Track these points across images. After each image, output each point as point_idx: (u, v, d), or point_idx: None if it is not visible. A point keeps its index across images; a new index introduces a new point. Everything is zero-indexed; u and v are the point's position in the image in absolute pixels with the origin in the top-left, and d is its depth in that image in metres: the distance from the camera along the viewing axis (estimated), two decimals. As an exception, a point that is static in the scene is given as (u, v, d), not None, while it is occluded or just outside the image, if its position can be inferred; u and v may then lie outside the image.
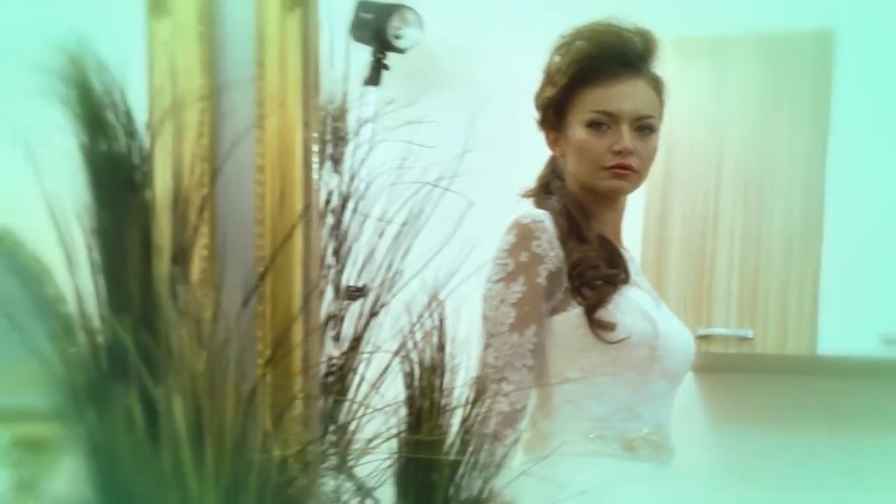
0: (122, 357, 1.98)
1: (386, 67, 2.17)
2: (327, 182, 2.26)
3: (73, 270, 2.07)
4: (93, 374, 2.03)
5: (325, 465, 2.19)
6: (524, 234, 2.24)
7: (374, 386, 2.19)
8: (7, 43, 2.51)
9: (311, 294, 2.17)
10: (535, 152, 2.22)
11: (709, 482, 2.27)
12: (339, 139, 2.29)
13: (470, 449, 2.15)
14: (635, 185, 2.24)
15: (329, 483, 2.19)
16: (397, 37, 2.11)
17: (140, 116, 2.13)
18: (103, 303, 2.06)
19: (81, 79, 2.06)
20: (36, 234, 2.34)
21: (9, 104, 2.47)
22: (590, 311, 2.21)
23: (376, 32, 2.10)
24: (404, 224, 2.21)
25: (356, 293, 2.27)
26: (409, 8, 2.05)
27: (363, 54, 2.55)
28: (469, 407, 2.13)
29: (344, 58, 2.28)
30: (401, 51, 2.13)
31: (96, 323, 2.04)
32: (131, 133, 2.09)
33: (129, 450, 1.99)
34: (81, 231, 2.08)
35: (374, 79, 2.09)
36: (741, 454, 2.19)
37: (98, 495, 2.08)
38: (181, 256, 2.09)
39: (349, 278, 2.31)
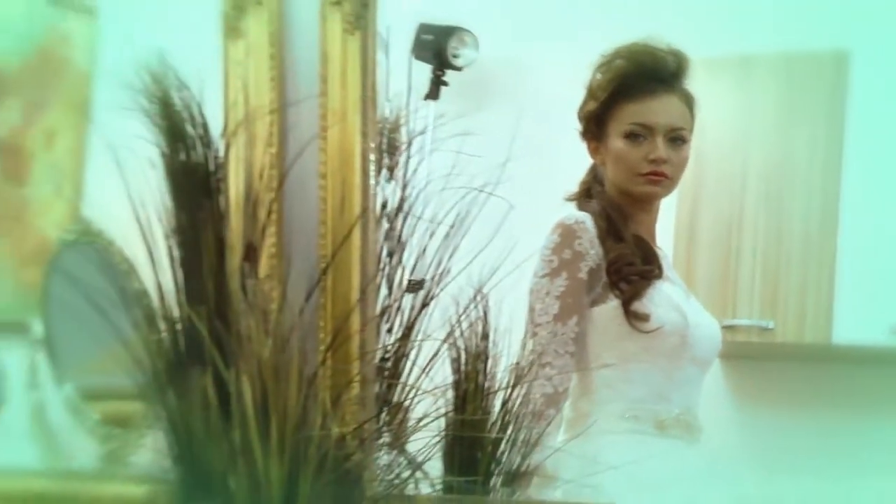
0: (198, 344, 2.03)
1: (444, 83, 2.20)
2: (383, 188, 2.28)
3: (155, 267, 2.12)
4: (172, 358, 2.09)
5: (379, 441, 2.22)
6: (567, 234, 2.26)
7: (424, 370, 2.21)
8: (99, 63, 2.53)
9: (367, 288, 2.19)
10: (572, 160, 2.24)
11: (733, 458, 2.29)
12: (395, 149, 2.29)
13: (510, 428, 2.18)
14: (668, 191, 2.25)
15: (382, 458, 2.22)
16: (455, 56, 2.13)
17: (215, 128, 2.18)
18: (181, 295, 2.11)
19: (163, 95, 2.10)
20: (123, 234, 2.35)
21: (100, 117, 2.49)
22: (626, 303, 2.23)
23: (436, 52, 2.12)
24: (452, 226, 2.22)
25: (416, 286, 2.27)
26: (466, 30, 2.07)
27: (420, 71, 2.58)
28: (509, 390, 2.17)
29: (406, 75, 2.30)
30: (458, 69, 2.16)
31: (175, 313, 2.10)
32: (207, 143, 2.14)
33: (203, 426, 2.03)
34: (162, 231, 2.13)
35: (433, 94, 2.12)
36: (763, 433, 2.21)
37: (176, 466, 2.12)
38: (251, 254, 2.13)
39: (410, 273, 2.31)
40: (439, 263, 2.21)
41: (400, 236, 2.26)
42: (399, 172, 2.25)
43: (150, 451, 2.29)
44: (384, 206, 2.26)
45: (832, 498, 2.05)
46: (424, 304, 2.21)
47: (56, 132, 2.58)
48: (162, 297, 2.11)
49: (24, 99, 2.58)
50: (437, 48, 2.19)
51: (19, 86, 2.59)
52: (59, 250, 2.52)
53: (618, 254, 2.23)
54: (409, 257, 2.26)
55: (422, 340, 2.22)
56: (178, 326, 2.09)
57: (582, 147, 2.36)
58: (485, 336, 2.17)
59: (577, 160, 2.29)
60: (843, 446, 2.16)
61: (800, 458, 2.14)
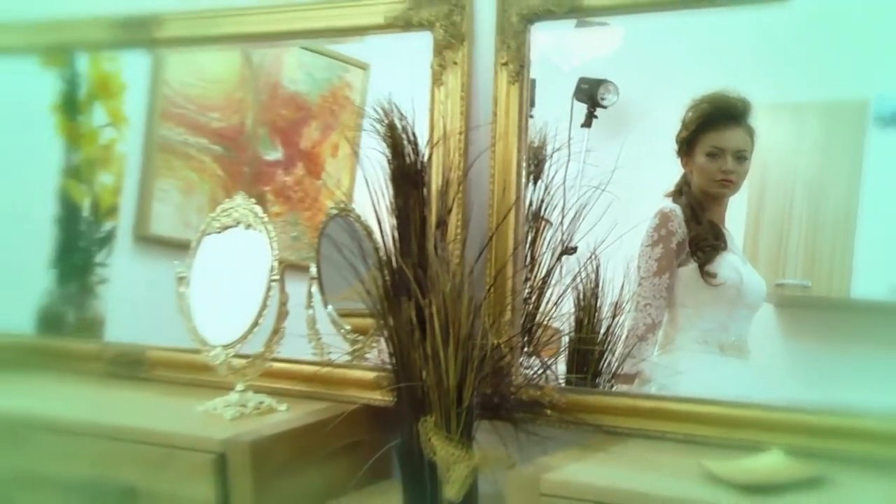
0: (406, 283, 2.12)
1: (596, 117, 2.24)
2: (530, 185, 2.32)
3: (381, 232, 2.21)
4: (390, 292, 2.17)
5: (523, 349, 2.29)
6: (664, 218, 2.26)
7: (555, 304, 2.28)
8: (367, 100, 2.57)
9: (517, 249, 2.27)
10: (659, 172, 2.24)
11: (781, 372, 2.26)
12: (540, 163, 2.32)
13: (610, 344, 2.22)
14: (734, 192, 2.19)
15: (524, 361, 2.28)
16: (602, 99, 2.16)
17: (422, 143, 2.24)
18: (396, 251, 2.19)
19: (390, 122, 2.19)
20: (364, 210, 2.42)
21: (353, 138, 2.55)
22: (701, 266, 2.23)
23: (590, 96, 2.15)
24: (577, 211, 2.26)
25: (571, 250, 2.29)
26: (611, 82, 2.11)
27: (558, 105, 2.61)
28: (611, 319, 2.21)
29: (569, 111, 2.33)
30: (604, 108, 2.21)
31: (393, 263, 2.18)
32: (417, 153, 2.22)
33: (408, 336, 2.12)
34: (387, 209, 2.22)
35: (587, 124, 2.16)
36: (802, 358, 2.16)
37: (393, 360, 2.18)
38: (442, 225, 2.20)
39: (566, 242, 2.32)
40: (570, 235, 2.26)
41: (539, 217, 2.29)
42: (542, 176, 2.31)
43: (378, 350, 2.40)
44: (530, 203, 2.31)
45: (853, 401, 2.03)
46: (557, 259, 2.26)
47: (338, 145, 2.64)
48: (386, 253, 2.19)
49: (321, 122, 2.65)
50: (590, 93, 2.22)
51: (318, 113, 2.66)
52: (326, 220, 2.54)
53: (696, 233, 2.23)
54: (549, 231, 2.31)
55: (555, 284, 2.29)
56: (395, 272, 2.17)
57: (666, 162, 2.37)
58: (596, 283, 2.22)
59: (662, 172, 2.29)
60: (857, 369, 2.13)
61: (828, 376, 2.12)
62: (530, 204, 2.33)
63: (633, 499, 1.81)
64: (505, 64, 2.27)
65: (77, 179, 2.89)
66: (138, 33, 2.75)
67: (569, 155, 2.29)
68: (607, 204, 2.23)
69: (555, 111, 2.29)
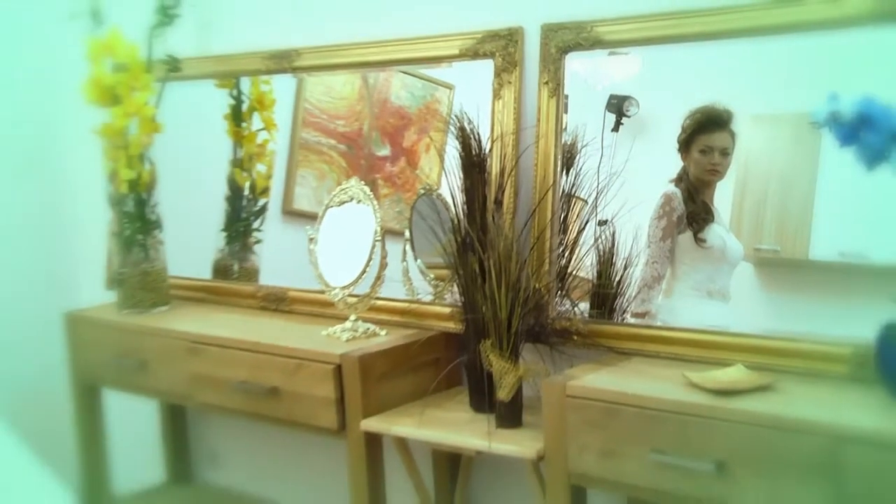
0: (472, 243, 2.14)
1: (622, 124, 2.23)
2: (563, 175, 2.29)
3: (456, 207, 2.24)
4: (461, 250, 2.20)
5: (557, 292, 2.28)
6: (668, 198, 2.23)
7: (581, 258, 2.27)
8: (452, 111, 2.54)
9: (553, 217, 2.26)
10: (664, 163, 2.21)
11: (757, 313, 2.23)
12: (571, 156, 2.29)
13: (622, 289, 2.22)
14: (720, 179, 2.17)
15: (557, 300, 2.26)
16: (627, 111, 2.16)
17: (485, 139, 2.27)
18: (465, 220, 2.21)
19: (461, 124, 2.23)
20: (444, 191, 2.39)
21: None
22: (695, 233, 2.20)
23: (618, 108, 2.15)
24: (599, 191, 2.24)
25: (603, 223, 2.25)
26: (633, 98, 2.10)
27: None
28: (623, 271, 2.21)
29: (598, 125, 2.32)
30: (628, 117, 2.20)
31: (463, 229, 2.19)
32: (480, 147, 2.24)
33: (473, 282, 2.14)
34: (459, 188, 2.24)
35: (616, 129, 2.17)
36: (775, 303, 2.12)
37: (463, 300, 2.21)
38: (499, 201, 2.23)
39: (597, 216, 2.29)
40: (594, 210, 2.25)
41: (571, 197, 2.29)
42: (573, 167, 2.29)
43: (452, 292, 2.38)
44: (563, 192, 2.29)
45: (807, 332, 2.01)
46: (581, 228, 2.26)
47: (429, 145, 2.61)
48: (458, 221, 2.22)
49: (418, 128, 2.63)
50: (618, 106, 2.22)
51: (416, 121, 2.64)
52: (416, 198, 2.54)
53: (692, 210, 2.20)
54: (581, 206, 2.29)
55: (581, 246, 2.28)
56: (464, 235, 2.19)
57: (670, 157, 2.34)
58: (612, 244, 2.23)
59: (667, 164, 2.25)
60: (812, 311, 2.09)
61: (790, 315, 2.08)
62: (563, 186, 2.30)
63: (634, 399, 1.85)
64: (546, 83, 2.28)
65: (240, 168, 2.91)
66: (285, 63, 2.77)
67: (601, 151, 2.25)
68: (622, 185, 2.22)
69: (587, 118, 2.28)
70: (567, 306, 2.25)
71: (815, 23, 1.93)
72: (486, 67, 2.38)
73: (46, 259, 3.43)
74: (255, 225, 2.90)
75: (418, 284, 2.51)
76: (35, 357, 3.14)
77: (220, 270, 2.96)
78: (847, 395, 1.81)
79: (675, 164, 2.17)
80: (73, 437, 2.94)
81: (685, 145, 2.17)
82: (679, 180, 2.18)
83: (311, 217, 2.65)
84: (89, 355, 2.85)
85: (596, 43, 2.20)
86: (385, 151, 2.67)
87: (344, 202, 2.49)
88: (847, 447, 1.62)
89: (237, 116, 2.88)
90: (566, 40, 2.24)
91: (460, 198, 2.24)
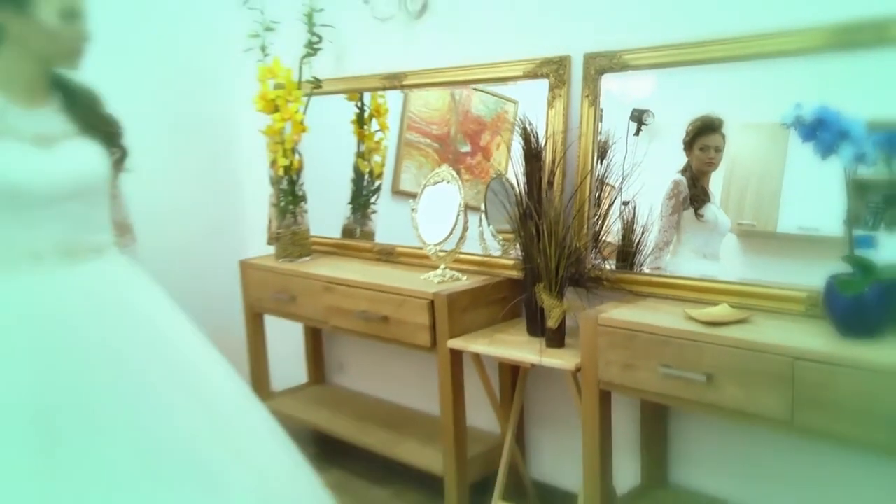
0: (531, 213, 2.12)
1: (641, 130, 2.16)
2: (598, 164, 2.25)
3: (519, 187, 2.23)
4: (522, 217, 2.17)
5: (592, 249, 2.23)
6: (676, 184, 2.16)
7: (609, 226, 2.23)
8: (516, 119, 2.53)
9: (590, 195, 2.22)
10: (669, 158, 2.17)
11: (735, 267, 2.12)
12: (604, 151, 2.25)
13: (639, 248, 2.19)
14: (714, 170, 2.10)
15: (592, 255, 2.21)
16: (645, 120, 2.11)
17: (542, 137, 2.25)
18: (526, 196, 2.19)
19: (524, 126, 2.23)
20: (510, 175, 2.41)
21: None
22: (696, 210, 2.14)
23: (638, 118, 2.11)
24: (624, 178, 2.20)
25: (626, 202, 2.22)
26: (650, 110, 2.05)
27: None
28: (640, 235, 2.18)
29: (626, 125, 2.18)
30: (647, 125, 2.13)
31: (524, 203, 2.17)
32: (538, 142, 2.23)
33: (531, 240, 2.13)
34: (521, 171, 2.23)
35: (637, 133, 2.10)
36: (752, 263, 2.01)
37: (523, 254, 2.20)
38: (551, 182, 2.22)
39: (622, 196, 2.23)
40: (620, 190, 2.21)
41: (603, 181, 2.25)
42: (606, 158, 2.25)
43: (515, 248, 2.34)
44: (600, 179, 2.25)
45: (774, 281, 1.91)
46: (611, 204, 2.23)
47: (500, 143, 2.55)
48: (520, 197, 2.20)
49: (491, 131, 2.55)
50: (639, 117, 2.17)
51: (490, 127, 2.55)
52: (490, 181, 2.52)
53: (693, 193, 2.13)
54: (608, 190, 2.25)
55: (608, 217, 2.24)
56: (525, 207, 2.18)
57: (678, 153, 2.14)
58: (633, 216, 2.20)
59: (675, 158, 2.16)
60: (779, 268, 1.99)
61: (762, 270, 1.99)
62: (598, 173, 2.27)
63: (647, 328, 1.86)
64: (587, 96, 2.25)
65: (362, 159, 2.89)
66: (395, 82, 2.73)
67: (626, 149, 2.21)
68: (640, 174, 2.19)
69: (616, 124, 2.24)
70: (599, 260, 2.23)
71: (785, 52, 1.91)
72: (542, 85, 2.36)
73: (226, 222, 3.44)
74: (372, 200, 2.90)
75: (490, 243, 2.50)
76: (220, 291, 3.17)
77: (347, 232, 2.96)
78: (802, 326, 1.81)
79: (681, 158, 2.15)
80: (245, 348, 3.01)
81: (688, 144, 2.14)
82: (684, 170, 2.16)
83: (411, 195, 2.65)
84: (255, 291, 2.91)
85: (624, 67, 2.18)
86: (466, 148, 2.64)
87: (437, 182, 2.50)
88: (800, 363, 1.64)
89: (360, 121, 2.87)
90: (602, 65, 2.22)
91: (522, 180, 2.23)
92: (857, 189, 1.79)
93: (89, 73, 1.71)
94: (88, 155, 1.68)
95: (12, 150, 1.57)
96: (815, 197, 1.92)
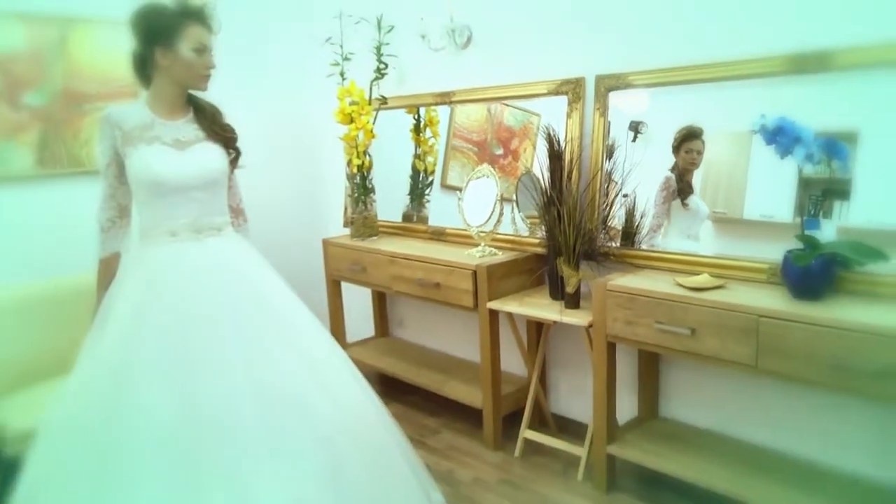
0: (553, 201, 2.09)
1: (637, 138, 2.05)
2: (606, 163, 2.21)
3: (544, 180, 2.20)
4: (546, 204, 2.13)
5: (602, 230, 2.20)
6: (667, 180, 2.09)
7: (615, 212, 2.18)
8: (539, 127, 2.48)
9: (599, 188, 2.19)
10: (661, 158, 2.10)
11: (710, 245, 2.05)
12: (610, 153, 2.21)
13: (638, 230, 2.16)
14: (696, 168, 2.02)
15: (602, 235, 2.20)
16: (640, 129, 2.01)
17: (562, 141, 2.24)
18: (550, 187, 2.18)
19: (549, 132, 2.21)
20: (537, 169, 2.35)
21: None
22: (682, 200, 2.07)
23: (635, 128, 2.02)
24: (625, 174, 2.16)
25: (627, 196, 2.18)
26: (644, 122, 1.94)
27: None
28: (639, 219, 2.14)
29: (626, 134, 2.17)
30: (641, 134, 2.01)
31: (548, 193, 2.17)
32: (560, 146, 2.21)
33: (554, 222, 2.12)
34: (547, 168, 2.21)
35: (634, 139, 2.01)
36: (720, 242, 1.86)
37: (547, 234, 2.17)
38: (570, 176, 2.18)
39: (622, 189, 2.17)
40: (621, 184, 2.18)
41: (610, 176, 2.20)
42: (613, 158, 2.20)
43: (540, 230, 2.30)
44: (609, 173, 2.21)
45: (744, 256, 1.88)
46: (616, 194, 2.19)
47: (527, 148, 2.46)
48: (545, 188, 2.18)
49: (520, 138, 2.49)
50: (635, 127, 2.10)
51: (518, 135, 2.48)
52: (520, 176, 2.47)
53: (681, 187, 2.06)
54: (612, 184, 2.21)
55: (614, 205, 2.20)
56: (549, 196, 2.16)
57: (667, 156, 2.10)
58: (633, 205, 2.17)
59: (665, 159, 2.09)
60: (745, 246, 1.88)
61: (732, 249, 1.89)
62: (606, 170, 2.23)
63: (645, 292, 1.87)
64: (598, 109, 2.23)
65: (419, 159, 2.86)
66: (445, 98, 2.66)
67: (626, 152, 2.19)
68: (638, 172, 2.16)
69: (619, 132, 2.22)
70: (607, 239, 2.22)
71: (750, 75, 1.91)
72: (562, 101, 2.35)
73: (312, 209, 3.43)
74: (427, 192, 2.87)
75: (520, 225, 2.49)
76: (308, 263, 3.16)
77: (406, 217, 2.94)
78: (764, 291, 1.81)
79: (670, 159, 2.14)
80: (326, 308, 3.00)
81: (676, 149, 2.12)
82: (673, 169, 2.14)
83: (457, 188, 2.65)
84: (334, 263, 2.90)
85: (628, 86, 2.17)
86: (499, 152, 2.61)
87: (479, 178, 2.50)
88: (763, 320, 1.68)
89: (417, 130, 2.86)
90: (610, 84, 2.21)
91: (547, 175, 2.22)
92: (803, 184, 1.81)
93: (213, 93, 1.77)
94: (212, 155, 1.73)
95: (158, 153, 1.65)
96: (771, 191, 1.91)
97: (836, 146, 1.65)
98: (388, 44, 2.76)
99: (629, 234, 2.19)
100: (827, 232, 1.75)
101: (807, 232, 1.73)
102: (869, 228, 1.70)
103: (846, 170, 1.71)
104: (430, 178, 2.86)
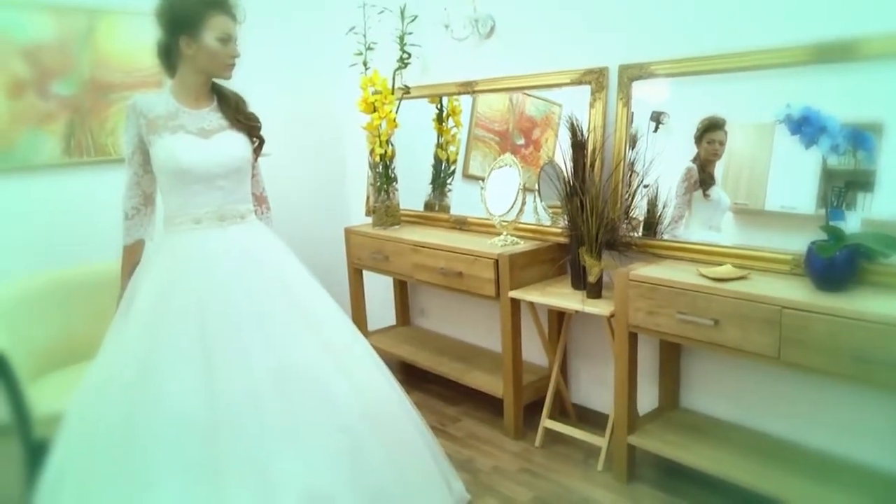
0: (576, 191, 2.10)
1: (659, 128, 2.03)
2: (629, 153, 2.21)
3: (566, 169, 2.19)
4: (568, 194, 2.14)
5: (624, 220, 2.19)
6: (689, 171, 2.08)
7: (637, 203, 2.19)
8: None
9: (622, 178, 2.20)
10: (682, 150, 2.07)
11: (732, 235, 2.04)
12: (633, 143, 2.21)
13: (660, 220, 2.16)
14: (719, 159, 2.01)
15: (624, 225, 2.19)
16: (661, 119, 2.00)
17: (585, 131, 2.22)
18: (572, 177, 2.17)
19: (572, 123, 2.20)
20: (558, 160, 2.35)
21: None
22: (703, 191, 2.06)
23: (657, 118, 2.00)
24: (647, 164, 2.17)
25: (647, 186, 2.18)
26: (666, 112, 1.94)
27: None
28: (661, 209, 2.14)
29: (647, 123, 2.18)
30: (663, 124, 2.00)
31: (570, 182, 2.17)
32: (583, 136, 2.22)
33: (576, 212, 2.13)
34: (570, 158, 2.21)
35: (655, 130, 1.99)
36: (745, 234, 1.86)
37: (569, 223, 2.18)
38: (592, 166, 2.17)
39: (644, 180, 2.16)
40: (643, 174, 2.18)
41: (632, 167, 2.20)
42: (636, 147, 2.20)
43: (563, 219, 2.30)
44: (631, 162, 2.21)
45: (763, 246, 1.89)
46: (638, 185, 2.19)
47: (549, 137, 2.46)
48: (567, 178, 2.19)
49: (542, 128, 2.47)
50: (657, 117, 2.08)
51: (540, 125, 2.48)
52: (542, 165, 2.47)
53: (702, 177, 2.05)
54: (634, 174, 2.20)
55: (636, 196, 2.20)
56: (571, 186, 2.13)
57: (689, 146, 2.08)
58: (656, 195, 2.16)
59: (687, 150, 2.08)
60: (766, 237, 1.87)
61: (753, 239, 1.87)
62: (628, 160, 2.23)
63: (667, 282, 1.87)
64: (621, 99, 2.23)
65: (441, 149, 2.87)
66: (467, 88, 2.69)
67: (647, 142, 2.19)
68: (660, 163, 2.16)
69: (642, 122, 2.22)
70: (629, 229, 2.22)
71: (774, 65, 1.91)
72: (585, 90, 2.35)
73: (336, 198, 3.45)
74: (449, 181, 2.88)
75: (542, 215, 2.50)
76: (330, 251, 3.17)
77: (429, 206, 2.95)
78: (787, 282, 1.82)
79: (692, 150, 2.13)
80: (348, 296, 3.04)
81: (698, 139, 2.10)
82: (695, 160, 2.13)
83: (479, 177, 2.65)
84: (356, 251, 2.92)
85: (650, 75, 2.17)
86: (521, 142, 2.60)
87: (501, 167, 2.49)
88: (786, 311, 1.68)
89: (440, 119, 2.87)
90: (633, 74, 2.21)
91: (569, 164, 2.22)
92: (826, 175, 1.80)
93: (238, 82, 1.78)
94: (236, 144, 1.73)
95: (183, 141, 1.66)
96: (793, 183, 1.91)
97: (862, 137, 1.65)
98: (411, 33, 2.76)
99: (651, 224, 2.19)
100: (851, 223, 1.75)
101: (832, 223, 1.73)
102: (893, 220, 1.70)
103: (871, 161, 1.70)
104: (452, 168, 2.85)
